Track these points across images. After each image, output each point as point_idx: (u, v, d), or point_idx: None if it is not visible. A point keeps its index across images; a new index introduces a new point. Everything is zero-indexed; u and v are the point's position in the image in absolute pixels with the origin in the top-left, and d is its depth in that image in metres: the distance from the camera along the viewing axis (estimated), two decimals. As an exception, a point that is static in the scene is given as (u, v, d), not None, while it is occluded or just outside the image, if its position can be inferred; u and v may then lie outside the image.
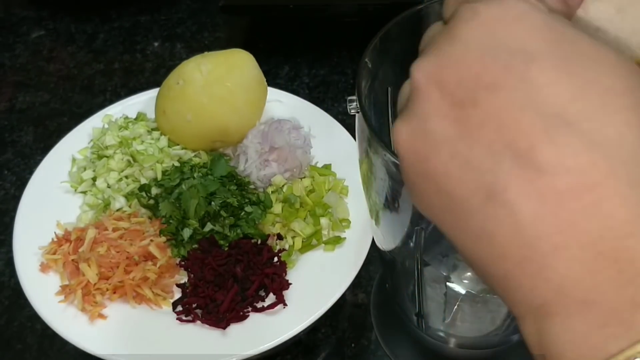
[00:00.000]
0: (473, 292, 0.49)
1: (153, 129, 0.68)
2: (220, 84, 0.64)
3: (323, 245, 0.59)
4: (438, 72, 0.23)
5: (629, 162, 0.20)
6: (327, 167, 0.65)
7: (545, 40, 0.22)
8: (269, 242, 0.59)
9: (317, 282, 0.56)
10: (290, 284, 0.56)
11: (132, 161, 0.65)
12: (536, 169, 0.20)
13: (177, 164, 0.64)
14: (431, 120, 0.23)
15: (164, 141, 0.66)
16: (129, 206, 0.62)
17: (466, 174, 0.22)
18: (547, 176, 0.20)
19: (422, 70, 0.23)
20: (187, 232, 0.59)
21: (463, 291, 0.49)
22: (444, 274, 0.48)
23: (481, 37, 0.22)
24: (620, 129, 0.20)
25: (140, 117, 0.69)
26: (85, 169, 0.65)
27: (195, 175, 0.62)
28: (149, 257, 0.57)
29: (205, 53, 0.66)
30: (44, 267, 0.57)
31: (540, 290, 0.21)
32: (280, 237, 0.60)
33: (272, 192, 0.62)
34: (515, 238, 0.21)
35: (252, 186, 0.64)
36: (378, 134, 0.38)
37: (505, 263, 0.22)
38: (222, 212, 0.59)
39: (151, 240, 0.58)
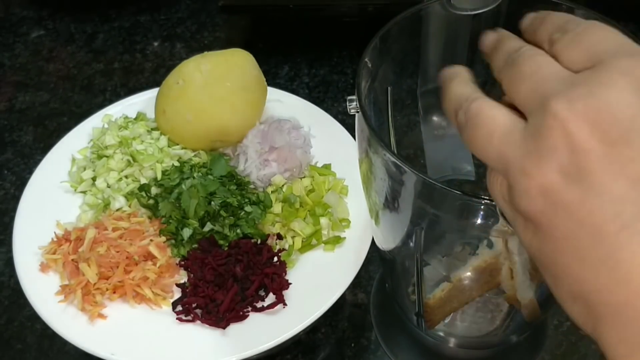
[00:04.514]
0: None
1: (153, 129, 0.68)
2: (220, 84, 0.64)
3: (323, 245, 0.59)
4: (591, 111, 0.23)
5: None
6: (327, 167, 0.65)
7: None
8: (269, 242, 0.59)
9: (317, 282, 0.56)
10: (290, 283, 0.56)
11: (132, 161, 0.65)
12: None
13: (177, 163, 0.64)
14: (576, 154, 0.23)
15: (163, 141, 0.66)
16: (129, 206, 0.62)
17: (605, 203, 0.23)
18: None
19: (572, 110, 0.24)
20: (186, 232, 0.59)
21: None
22: (444, 274, 0.48)
23: (637, 88, 0.23)
24: None
25: (140, 117, 0.69)
26: (85, 169, 0.65)
27: (195, 175, 0.61)
28: (148, 257, 0.57)
29: (205, 53, 0.66)
30: (44, 267, 0.57)
31: None
32: (280, 237, 0.60)
33: (272, 191, 0.62)
34: None
35: (252, 186, 0.64)
36: (378, 134, 0.38)
37: (628, 289, 0.22)
38: (222, 212, 0.59)
39: (151, 240, 0.58)
